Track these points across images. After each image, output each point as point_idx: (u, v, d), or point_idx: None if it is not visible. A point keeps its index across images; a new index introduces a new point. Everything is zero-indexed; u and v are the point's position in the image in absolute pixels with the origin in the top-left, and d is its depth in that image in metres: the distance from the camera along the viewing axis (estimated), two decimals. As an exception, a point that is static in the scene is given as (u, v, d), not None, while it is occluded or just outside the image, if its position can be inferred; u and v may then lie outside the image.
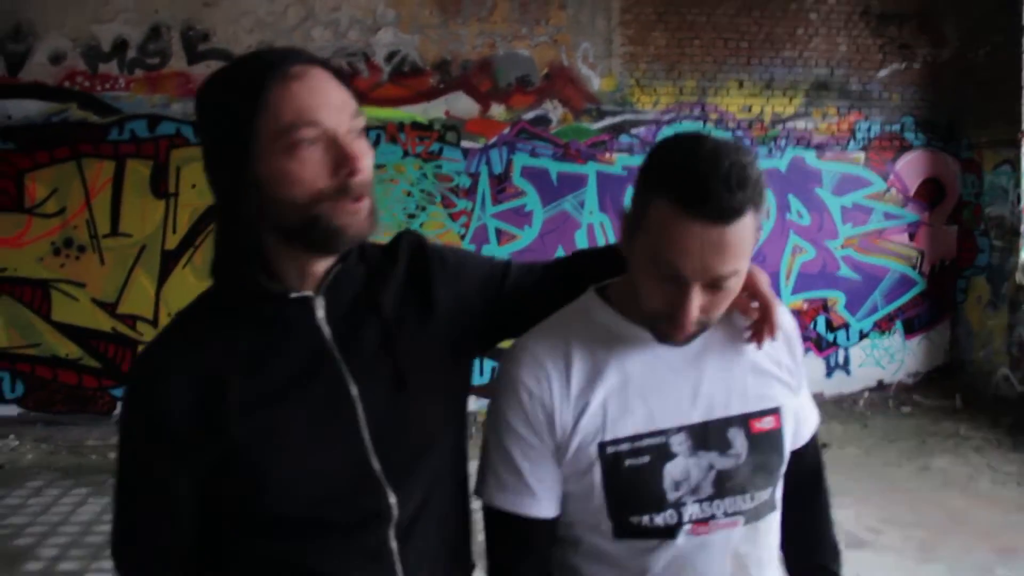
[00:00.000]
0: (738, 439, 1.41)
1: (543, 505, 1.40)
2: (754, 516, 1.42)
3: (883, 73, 7.69)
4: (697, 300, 1.25)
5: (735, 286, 1.28)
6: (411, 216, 7.11)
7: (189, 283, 6.94)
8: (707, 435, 1.39)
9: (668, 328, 1.30)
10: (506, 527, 1.42)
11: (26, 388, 6.95)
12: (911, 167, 7.78)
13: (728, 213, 1.19)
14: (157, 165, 6.89)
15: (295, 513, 1.27)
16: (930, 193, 7.83)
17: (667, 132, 7.07)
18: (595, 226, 7.31)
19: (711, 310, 1.29)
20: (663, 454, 1.37)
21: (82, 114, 6.82)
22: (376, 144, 7.03)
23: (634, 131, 7.35)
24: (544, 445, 1.38)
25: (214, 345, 1.28)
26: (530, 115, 7.23)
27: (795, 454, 1.52)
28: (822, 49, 7.58)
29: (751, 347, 1.44)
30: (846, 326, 7.78)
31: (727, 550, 1.42)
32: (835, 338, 7.76)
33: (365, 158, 1.22)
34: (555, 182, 7.26)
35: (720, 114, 7.47)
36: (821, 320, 7.70)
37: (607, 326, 1.41)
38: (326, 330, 1.31)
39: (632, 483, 1.37)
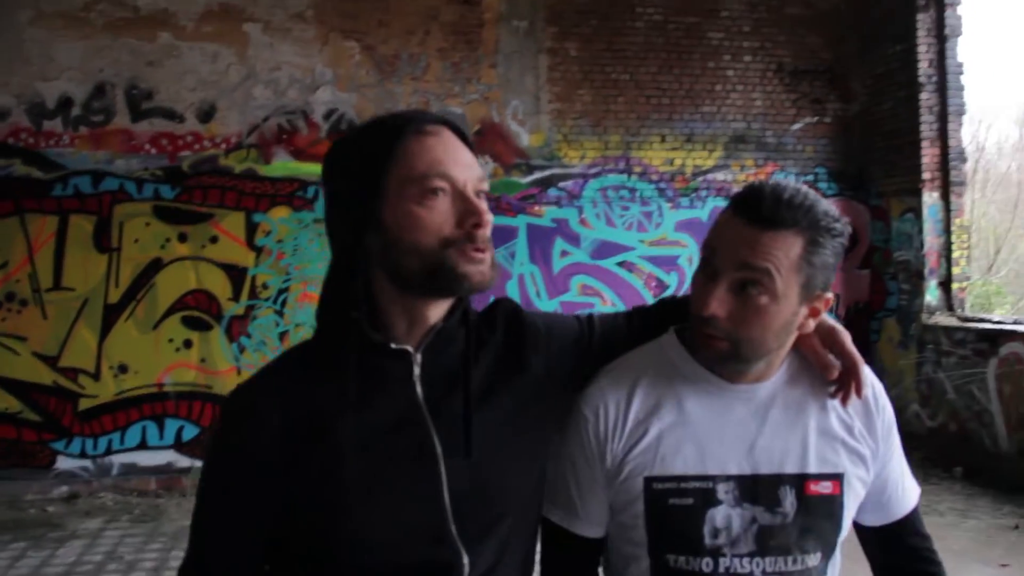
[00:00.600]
0: (788, 498, 1.40)
1: (586, 525, 1.46)
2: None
3: (796, 126, 8.20)
4: (721, 291, 1.31)
5: (765, 304, 1.31)
6: (349, 267, 7.36)
7: (132, 336, 7.10)
8: (756, 488, 1.39)
9: (698, 330, 1.37)
10: (556, 538, 1.48)
11: (-35, 442, 6.99)
12: (825, 215, 8.26)
13: (767, 221, 1.29)
14: (100, 220, 7.05)
15: (367, 562, 1.29)
16: (843, 239, 8.31)
17: (593, 185, 7.54)
18: (525, 276, 7.64)
19: (738, 320, 1.32)
20: (708, 499, 1.38)
21: (26, 169, 6.97)
22: (315, 199, 7.30)
23: (562, 184, 7.73)
24: (593, 472, 1.43)
25: (308, 386, 1.31)
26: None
27: (892, 532, 1.53)
28: (739, 104, 8.06)
29: (821, 409, 1.44)
30: (768, 366, 8.17)
31: None
32: (758, 378, 8.14)
33: (489, 215, 1.28)
34: (488, 233, 7.56)
35: (644, 167, 7.89)
36: (744, 361, 8.09)
37: (676, 364, 1.45)
38: (420, 388, 1.33)
39: (673, 522, 1.39)
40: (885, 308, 8.19)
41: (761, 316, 1.31)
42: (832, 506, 1.41)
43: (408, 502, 1.29)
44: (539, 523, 1.48)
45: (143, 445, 7.13)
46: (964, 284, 7.75)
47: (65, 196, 7.02)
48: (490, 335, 1.44)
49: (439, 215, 1.26)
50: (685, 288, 7.75)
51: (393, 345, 1.32)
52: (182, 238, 7.18)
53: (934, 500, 6.40)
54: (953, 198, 7.62)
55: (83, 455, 7.06)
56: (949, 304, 7.67)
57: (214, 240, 7.22)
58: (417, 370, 1.33)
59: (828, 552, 1.43)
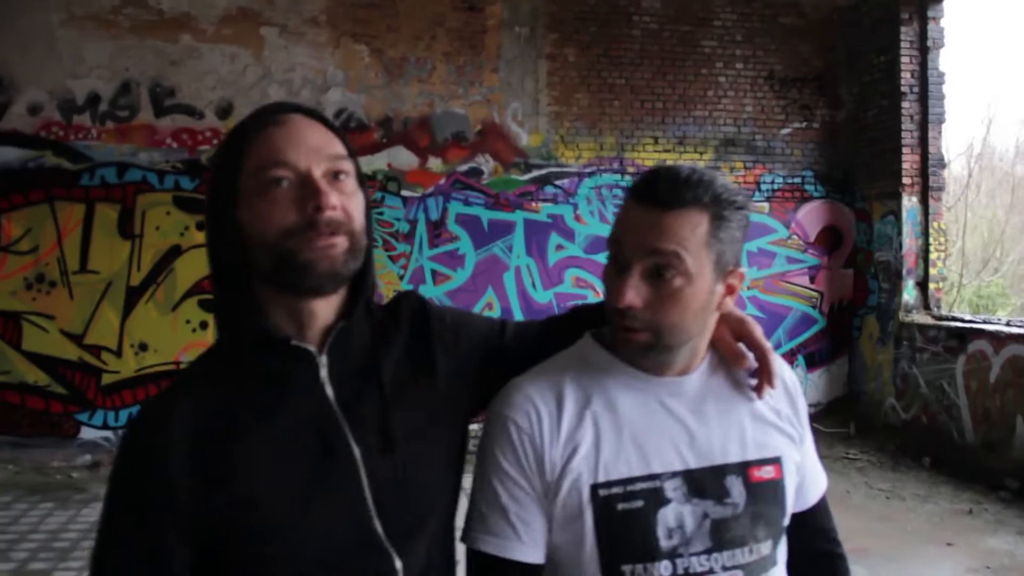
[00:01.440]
0: (736, 487, 1.35)
1: (527, 550, 1.33)
2: (754, 571, 1.35)
3: (785, 131, 8.58)
4: (635, 280, 1.26)
5: (680, 286, 1.27)
6: (355, 257, 7.82)
7: (152, 317, 7.61)
8: (703, 482, 1.34)
9: (617, 325, 1.32)
10: (489, 572, 1.35)
11: (-4, 412, 7.53)
12: (811, 216, 8.65)
13: (666, 201, 1.25)
14: (124, 209, 7.56)
15: (300, 574, 1.23)
16: (828, 240, 8.70)
17: (588, 183, 7.95)
18: (522, 268, 8.08)
19: (656, 307, 1.27)
20: (657, 499, 1.31)
21: (56, 160, 7.48)
22: (324, 191, 7.75)
23: (558, 182, 8.17)
24: (532, 485, 1.33)
25: (219, 395, 1.25)
26: (464, 167, 8.02)
27: (804, 517, 1.50)
28: (730, 109, 8.46)
29: (749, 396, 1.41)
30: (753, 359, 8.56)
31: None
32: (743, 370, 8.54)
33: (334, 196, 1.21)
34: (486, 228, 8.04)
35: (636, 168, 8.29)
36: (729, 354, 8.49)
37: (598, 365, 1.39)
38: (330, 390, 1.28)
39: (625, 528, 1.31)
40: (866, 306, 8.56)
41: (678, 299, 1.27)
42: (776, 490, 1.39)
43: (332, 507, 1.24)
44: (455, 531, 1.40)
45: (161, 419, 7.63)
46: (940, 284, 8.09)
47: (92, 186, 7.52)
48: (395, 330, 1.40)
49: (281, 205, 1.20)
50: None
51: (293, 342, 1.27)
52: (200, 227, 7.65)
53: (899, 486, 6.78)
54: (932, 202, 7.97)
55: (105, 426, 7.57)
56: (925, 303, 8.02)
57: (230, 229, 7.69)
58: (324, 371, 1.28)
59: (777, 538, 1.40)
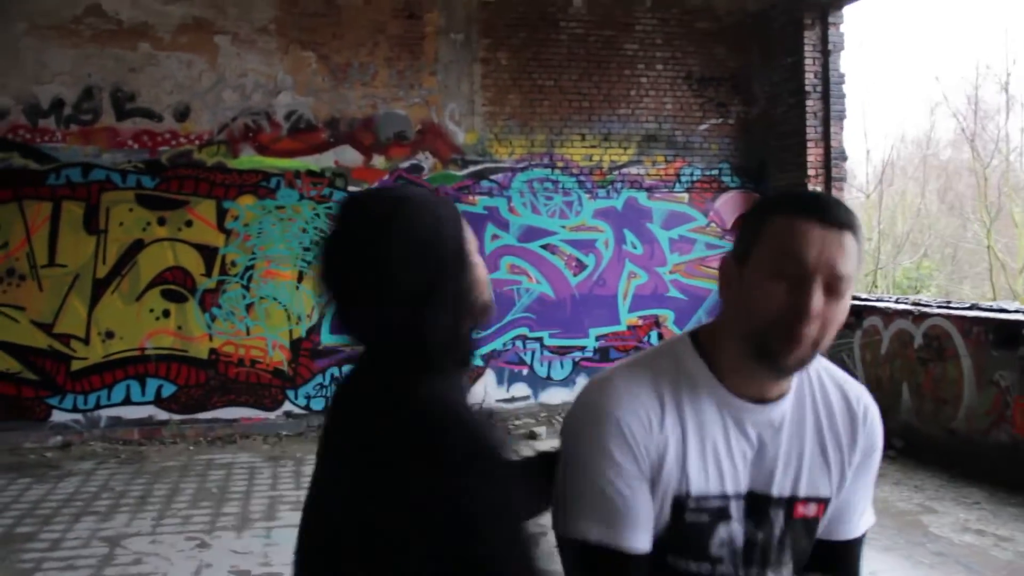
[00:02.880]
0: (778, 518, 1.43)
1: (640, 537, 1.36)
2: None
3: (703, 127, 9.31)
4: (819, 297, 1.27)
5: (846, 306, 1.31)
6: (306, 249, 8.44)
7: (117, 307, 8.17)
8: (756, 506, 1.42)
9: (783, 339, 1.30)
10: (599, 564, 1.37)
11: (-29, 398, 8.06)
12: (728, 205, 9.40)
13: (841, 222, 1.29)
14: (89, 206, 8.09)
15: None
16: (744, 226, 9.43)
17: (521, 178, 8.63)
18: (462, 256, 8.73)
19: (825, 325, 1.29)
20: (722, 516, 1.40)
21: (23, 162, 7.99)
22: (277, 189, 8.38)
23: (493, 177, 8.85)
24: (644, 476, 1.36)
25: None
26: (406, 164, 8.67)
27: (832, 547, 1.51)
28: (652, 107, 9.17)
29: (817, 431, 1.46)
30: (676, 338, 9.30)
31: None
32: (667, 347, 9.28)
33: None
34: (428, 220, 8.65)
35: (565, 162, 9.00)
36: (654, 334, 9.23)
37: (697, 378, 1.41)
38: None
39: (686, 534, 1.39)
40: (779, 287, 9.30)
41: (840, 318, 1.31)
42: (812, 526, 1.46)
43: None
44: None
45: (127, 401, 8.22)
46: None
47: (58, 185, 8.03)
48: None
49: None
50: (602, 268, 8.90)
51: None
52: (161, 222, 8.24)
53: None
54: (834, 191, 8.70)
55: (75, 410, 8.13)
56: (829, 284, 8.78)
57: (189, 224, 8.28)
58: None
59: (800, 564, 1.47)
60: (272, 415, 8.42)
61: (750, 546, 1.42)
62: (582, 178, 9.04)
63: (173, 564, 5.14)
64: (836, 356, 8.27)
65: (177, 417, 8.26)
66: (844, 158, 8.76)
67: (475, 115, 8.80)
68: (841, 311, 1.30)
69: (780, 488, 1.43)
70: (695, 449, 1.38)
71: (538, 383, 8.92)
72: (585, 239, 9.08)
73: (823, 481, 1.45)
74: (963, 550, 5.18)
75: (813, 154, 8.71)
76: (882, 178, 17.02)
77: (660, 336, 9.26)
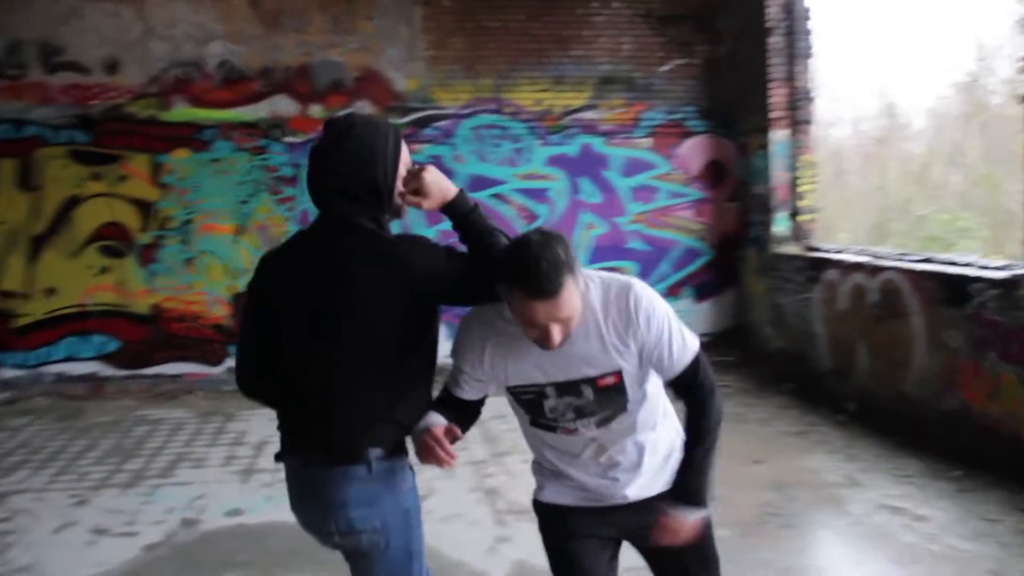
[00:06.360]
0: (587, 390, 2.19)
1: (466, 394, 2.31)
2: (603, 422, 2.25)
3: (665, 68, 8.73)
4: (556, 331, 2.01)
5: (577, 312, 2.03)
6: (243, 202, 8.27)
7: (56, 263, 8.15)
8: (568, 388, 2.19)
9: (543, 344, 2.06)
10: (447, 397, 2.34)
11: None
12: (693, 151, 8.85)
13: (553, 290, 1.94)
14: (23, 162, 8.05)
15: None
16: (713, 174, 8.89)
17: (467, 124, 8.25)
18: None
19: (567, 324, 2.02)
20: (541, 396, 2.23)
21: (-48, 119, 7.97)
22: (211, 142, 8.19)
23: (437, 124, 8.48)
24: (475, 372, 2.26)
25: None
26: (344, 113, 8.31)
27: (673, 384, 2.26)
28: (608, 48, 8.63)
29: (598, 329, 2.14)
30: (638, 291, 8.84)
31: (587, 439, 2.29)
32: (628, 302, 8.83)
33: None
34: (368, 170, 8.36)
35: (515, 107, 8.56)
36: (614, 286, 8.79)
37: (511, 323, 2.14)
38: None
39: (525, 406, 2.28)
40: (748, 238, 8.77)
41: (575, 318, 2.05)
42: (619, 386, 2.20)
43: None
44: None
45: (72, 358, 8.26)
46: (812, 216, 8.25)
47: (-8, 142, 8.02)
48: None
49: None
50: (556, 218, 8.50)
51: None
52: (96, 177, 8.15)
53: (750, 411, 7.11)
54: (800, 135, 8.10)
55: (20, 366, 8.21)
56: (797, 234, 8.22)
57: (123, 179, 8.18)
58: None
59: (620, 405, 2.23)
60: (215, 370, 8.34)
61: (575, 408, 2.22)
62: (533, 124, 8.60)
63: (39, 522, 5.07)
64: (797, 312, 7.75)
65: (121, 373, 8.24)
66: (810, 99, 8.11)
67: (416, 60, 8.42)
68: (574, 319, 2.04)
69: (581, 373, 2.17)
70: (515, 361, 2.20)
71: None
72: (537, 188, 8.66)
73: (611, 360, 2.16)
74: (867, 530, 4.64)
75: (777, 95, 8.09)
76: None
77: (621, 290, 8.81)
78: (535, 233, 2.04)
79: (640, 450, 2.32)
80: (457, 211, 2.26)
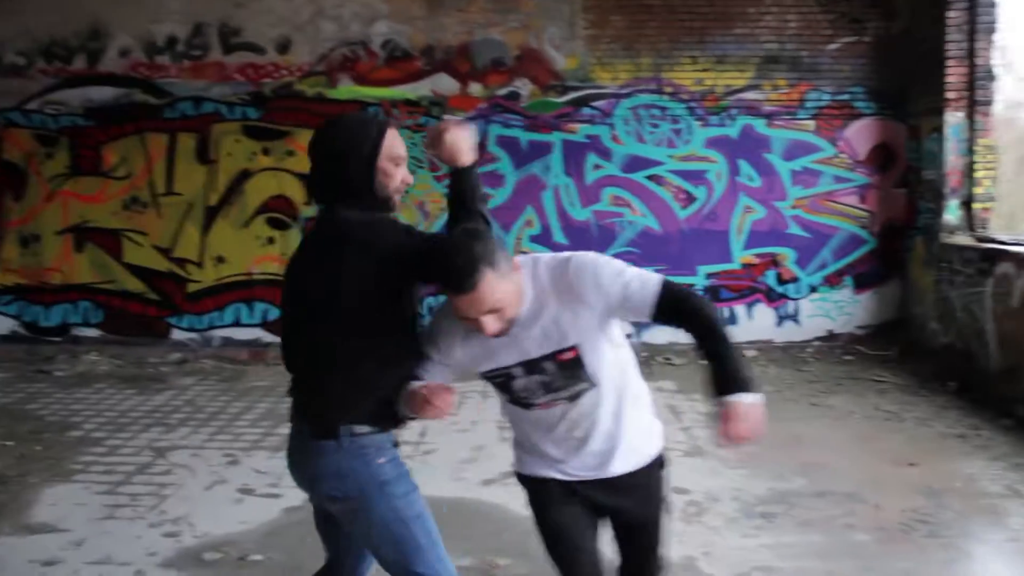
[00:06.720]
0: (550, 366, 2.29)
1: (432, 380, 2.35)
2: (572, 397, 2.36)
3: (833, 46, 8.38)
4: (488, 321, 2.13)
5: (507, 301, 2.13)
6: (402, 178, 8.43)
7: (227, 233, 8.60)
8: (532, 366, 2.29)
9: (484, 335, 2.19)
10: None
11: (104, 315, 8.77)
12: (861, 134, 8.47)
13: (474, 285, 2.06)
14: (201, 138, 8.52)
15: None
16: (880, 158, 8.49)
17: (625, 104, 8.19)
18: (560, 187, 8.45)
19: (503, 317, 2.15)
20: (510, 377, 2.34)
21: (144, 97, 8.52)
22: (374, 118, 8.40)
23: (595, 104, 8.43)
24: (443, 358, 2.37)
25: None
26: (503, 91, 8.44)
27: (657, 316, 2.25)
28: (773, 25, 8.35)
29: (552, 312, 2.25)
30: (796, 280, 8.58)
31: (560, 414, 2.39)
32: (785, 291, 8.60)
33: None
34: (525, 149, 8.46)
35: (675, 87, 8.41)
36: (771, 274, 8.55)
37: None
38: None
39: (499, 387, 2.39)
40: (916, 227, 8.33)
41: (509, 304, 2.15)
42: (577, 362, 2.30)
43: None
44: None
45: (237, 323, 8.68)
46: (988, 204, 7.77)
47: (173, 118, 8.52)
48: None
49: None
50: (714, 201, 8.34)
51: None
52: (266, 152, 8.53)
53: (907, 409, 6.67)
54: (979, 117, 7.62)
55: (191, 329, 8.69)
56: (970, 224, 7.76)
57: (291, 153, 8.51)
58: None
59: (584, 379, 2.32)
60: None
61: (543, 384, 2.32)
62: (692, 104, 8.43)
63: (195, 477, 5.34)
64: (965, 307, 7.30)
65: (282, 340, 8.56)
66: (992, 78, 7.62)
67: (576, 39, 8.38)
68: (507, 305, 2.14)
69: (540, 352, 2.27)
70: (482, 350, 2.30)
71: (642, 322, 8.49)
72: (695, 169, 8.49)
73: (565, 336, 2.26)
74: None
75: (954, 74, 7.64)
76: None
77: (778, 276, 8.57)
78: (458, 232, 2.23)
79: (614, 425, 2.41)
80: (459, 177, 2.53)
